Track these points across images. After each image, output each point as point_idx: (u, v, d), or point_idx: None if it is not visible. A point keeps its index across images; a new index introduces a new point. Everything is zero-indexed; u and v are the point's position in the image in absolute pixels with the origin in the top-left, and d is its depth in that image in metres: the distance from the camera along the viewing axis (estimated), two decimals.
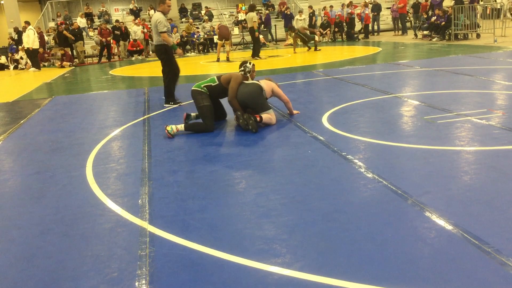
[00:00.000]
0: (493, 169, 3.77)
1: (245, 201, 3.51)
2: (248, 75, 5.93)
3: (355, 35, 20.30)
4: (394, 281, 2.36)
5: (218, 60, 15.05)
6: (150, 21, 21.93)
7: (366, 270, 2.48)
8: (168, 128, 5.60)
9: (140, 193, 3.83)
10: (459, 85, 7.46)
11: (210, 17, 22.78)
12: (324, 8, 21.42)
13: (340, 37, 20.74)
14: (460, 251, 2.58)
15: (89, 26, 22.29)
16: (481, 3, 19.17)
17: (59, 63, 17.88)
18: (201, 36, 20.34)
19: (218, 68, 13.53)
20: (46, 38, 20.19)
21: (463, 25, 15.67)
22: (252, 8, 15.50)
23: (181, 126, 5.68)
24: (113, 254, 2.86)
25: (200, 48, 20.14)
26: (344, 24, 20.37)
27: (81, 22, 20.93)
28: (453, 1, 16.48)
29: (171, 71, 7.62)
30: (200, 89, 5.79)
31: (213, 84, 5.82)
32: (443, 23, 16.22)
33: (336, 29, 20.67)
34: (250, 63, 6.01)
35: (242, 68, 5.95)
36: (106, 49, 18.70)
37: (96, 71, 15.45)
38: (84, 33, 20.33)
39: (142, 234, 3.09)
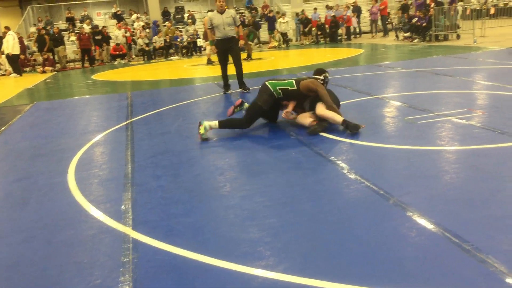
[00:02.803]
0: (473, 168, 3.83)
1: (230, 204, 3.52)
2: (325, 84, 5.64)
3: (339, 37, 20.45)
4: (377, 281, 2.38)
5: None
6: (132, 25, 21.90)
7: (350, 270, 2.50)
8: (201, 130, 5.30)
9: (123, 199, 3.81)
10: (439, 85, 7.56)
11: (194, 20, 22.73)
12: (303, 11, 21.52)
13: (323, 39, 20.86)
14: (441, 250, 2.62)
15: (71, 30, 22.07)
16: (460, 3, 19.46)
17: (41, 68, 17.68)
18: (184, 40, 20.30)
19: (202, 71, 13.52)
20: (26, 43, 19.91)
21: (443, 26, 15.89)
22: None
23: (215, 124, 5.39)
24: (96, 261, 2.84)
25: (183, 51, 20.09)
26: (327, 26, 20.49)
27: (86, 28, 20.34)
28: (433, 3, 16.70)
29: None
30: (273, 91, 5.46)
31: (290, 88, 5.45)
32: (424, 24, 16.42)
33: (319, 32, 20.79)
34: (328, 72, 5.74)
35: (322, 78, 5.60)
36: (86, 54, 18.53)
37: (78, 76, 15.32)
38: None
39: (125, 240, 3.07)
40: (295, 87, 5.44)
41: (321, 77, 5.61)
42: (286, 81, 5.53)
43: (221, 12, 8.25)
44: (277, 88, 5.47)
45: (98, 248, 3.00)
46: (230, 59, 8.54)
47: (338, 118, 5.22)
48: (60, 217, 3.56)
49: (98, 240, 3.12)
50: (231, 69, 8.59)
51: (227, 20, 8.21)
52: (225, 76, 8.71)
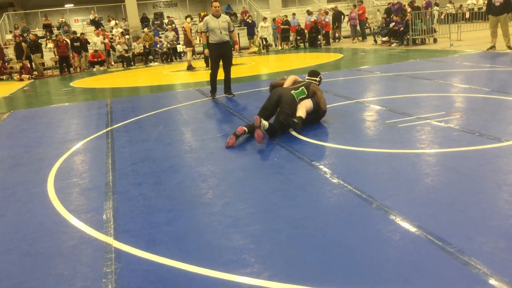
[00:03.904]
0: (453, 170, 3.88)
1: (213, 212, 3.49)
2: (319, 84, 6.20)
3: (319, 42, 20.59)
4: (361, 285, 2.39)
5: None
6: (111, 32, 21.72)
7: (334, 275, 2.50)
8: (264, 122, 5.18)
9: (104, 208, 3.75)
10: (418, 89, 7.66)
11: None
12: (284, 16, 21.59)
13: (302, 44, 20.98)
14: (424, 253, 2.63)
15: (48, 37, 21.77)
16: (435, 8, 19.78)
17: (18, 76, 17.39)
18: (164, 46, 20.19)
19: (182, 77, 13.46)
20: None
21: (420, 30, 16.13)
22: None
23: (267, 124, 5.26)
24: (77, 273, 2.78)
25: (163, 57, 19.99)
26: (306, 32, 20.61)
27: (66, 37, 19.54)
28: (410, 8, 16.95)
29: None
30: (296, 99, 5.61)
31: (303, 96, 5.71)
32: (402, 28, 16.65)
33: (298, 37, 20.90)
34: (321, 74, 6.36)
35: (318, 79, 6.22)
36: (64, 62, 18.29)
37: (56, 84, 15.11)
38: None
39: (107, 251, 3.02)
40: (306, 93, 5.75)
41: (318, 79, 6.19)
42: (299, 90, 5.73)
43: (217, 16, 8.39)
44: (299, 98, 5.66)
45: (79, 259, 2.95)
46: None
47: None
48: (39, 228, 3.49)
49: (79, 250, 3.07)
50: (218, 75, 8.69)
51: (223, 24, 8.36)
52: (215, 81, 8.77)
